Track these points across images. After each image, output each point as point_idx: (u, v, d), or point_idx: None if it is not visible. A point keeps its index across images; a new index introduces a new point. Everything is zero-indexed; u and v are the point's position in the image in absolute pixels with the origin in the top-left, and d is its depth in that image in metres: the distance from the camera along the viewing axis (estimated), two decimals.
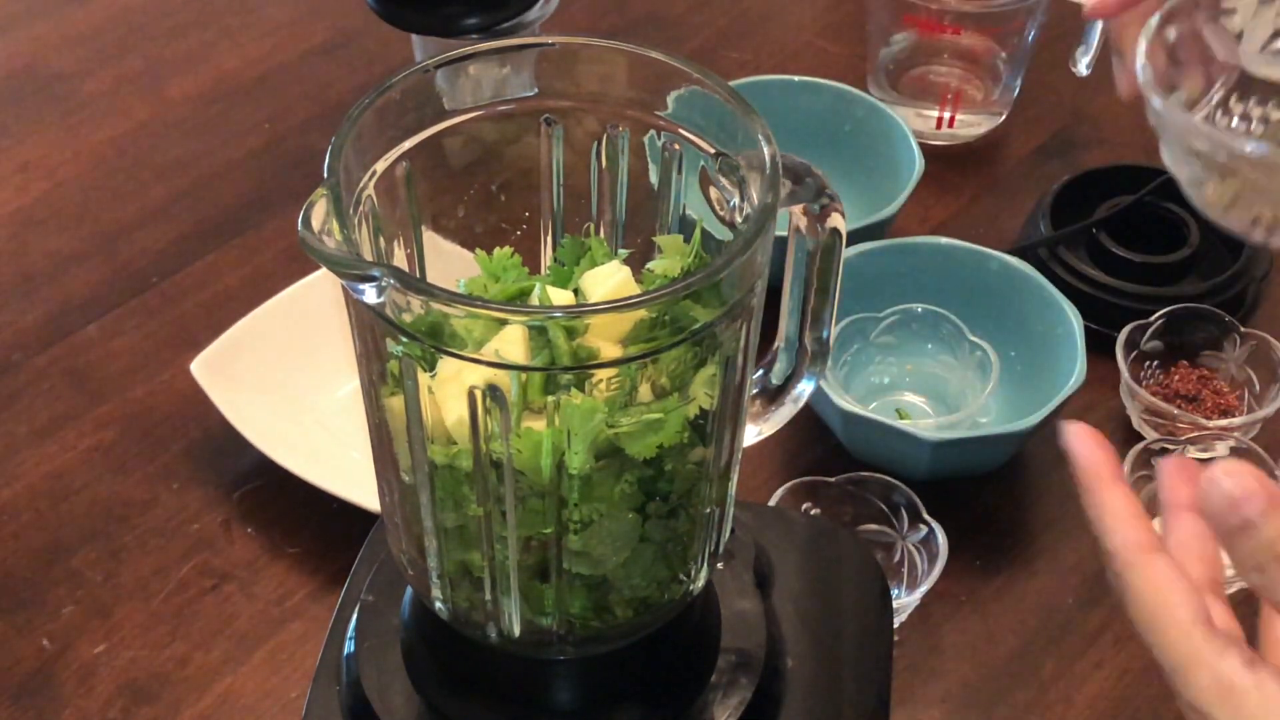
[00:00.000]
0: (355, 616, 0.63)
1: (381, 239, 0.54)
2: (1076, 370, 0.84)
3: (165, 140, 1.13)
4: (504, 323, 0.47)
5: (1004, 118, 1.14)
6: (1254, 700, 0.44)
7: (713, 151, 0.54)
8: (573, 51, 0.54)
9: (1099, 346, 0.89)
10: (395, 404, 0.51)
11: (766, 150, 0.50)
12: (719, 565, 0.59)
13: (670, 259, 0.55)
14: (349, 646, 0.63)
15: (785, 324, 0.58)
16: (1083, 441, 0.51)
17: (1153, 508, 0.84)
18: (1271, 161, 0.41)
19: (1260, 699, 0.44)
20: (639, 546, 0.53)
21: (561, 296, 0.53)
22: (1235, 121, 0.46)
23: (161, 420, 0.91)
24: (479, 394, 0.48)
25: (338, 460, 0.84)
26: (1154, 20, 0.47)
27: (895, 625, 0.74)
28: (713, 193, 0.54)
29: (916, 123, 1.09)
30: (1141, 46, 0.47)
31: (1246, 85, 0.47)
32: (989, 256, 0.92)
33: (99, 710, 0.77)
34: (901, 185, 0.97)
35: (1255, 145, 0.40)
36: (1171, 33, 0.47)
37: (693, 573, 0.57)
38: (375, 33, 1.17)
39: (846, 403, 0.83)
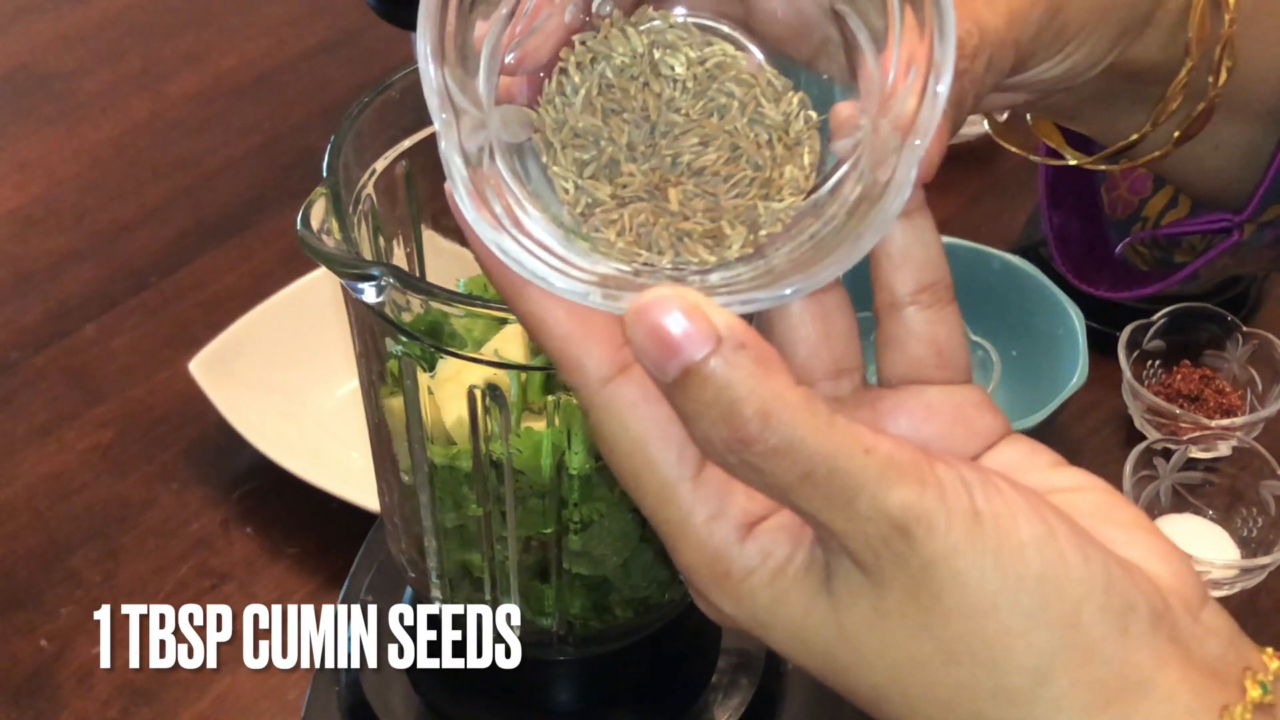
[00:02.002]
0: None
1: (381, 238, 0.53)
2: (1078, 370, 0.83)
3: (164, 139, 1.13)
4: (504, 322, 0.47)
5: (1005, 116, 1.13)
6: (747, 586, 0.34)
7: None
8: None
9: (1101, 346, 0.89)
10: (395, 404, 0.51)
11: None
12: None
13: None
14: None
15: None
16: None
17: (1154, 508, 0.84)
18: None
19: (749, 584, 0.34)
20: (639, 547, 0.53)
21: None
22: None
23: (160, 420, 0.91)
24: (479, 394, 0.47)
25: (337, 460, 0.84)
26: None
27: None
28: None
29: None
30: None
31: None
32: (991, 256, 0.91)
33: (98, 711, 0.76)
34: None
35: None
36: None
37: None
38: (375, 32, 1.17)
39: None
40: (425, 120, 0.53)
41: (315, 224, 0.46)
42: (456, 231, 0.57)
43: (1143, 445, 0.83)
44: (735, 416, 0.30)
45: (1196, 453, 0.84)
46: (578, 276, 0.32)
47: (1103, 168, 0.51)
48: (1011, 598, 0.31)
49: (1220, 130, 0.48)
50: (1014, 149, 0.55)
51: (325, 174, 0.48)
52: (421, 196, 0.55)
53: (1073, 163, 0.52)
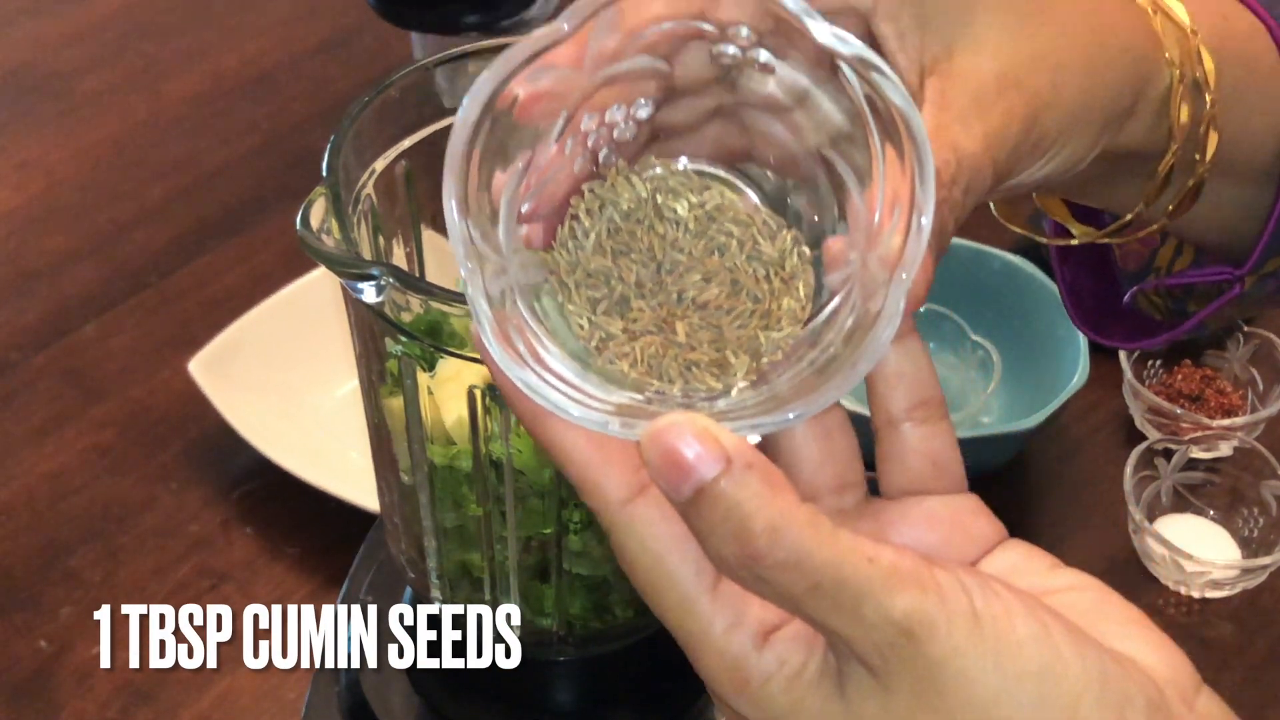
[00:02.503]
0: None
1: (381, 238, 0.53)
2: (1079, 369, 0.83)
3: (163, 139, 1.12)
4: None
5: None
6: (765, 691, 0.35)
7: None
8: None
9: (1101, 346, 0.88)
10: (394, 404, 0.51)
11: None
12: None
13: None
14: None
15: None
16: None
17: (1154, 508, 0.84)
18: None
19: (768, 690, 0.35)
20: None
21: None
22: None
23: (160, 420, 0.91)
24: (478, 394, 0.47)
25: (336, 460, 0.83)
26: None
27: None
28: None
29: None
30: None
31: None
32: (991, 255, 0.91)
33: (97, 711, 0.76)
34: None
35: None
36: None
37: None
38: (374, 31, 1.17)
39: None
40: (425, 120, 0.53)
41: (315, 224, 0.46)
42: None
43: (1144, 445, 0.83)
44: (745, 533, 0.32)
45: (1197, 453, 0.84)
46: (595, 406, 0.34)
47: (1107, 241, 0.52)
48: (1012, 694, 0.33)
49: (1218, 190, 0.49)
50: (1020, 230, 0.57)
51: (325, 174, 0.48)
52: (421, 196, 0.55)
53: (1076, 242, 0.54)
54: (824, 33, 0.34)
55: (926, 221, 0.34)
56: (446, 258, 0.57)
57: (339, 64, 1.20)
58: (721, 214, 0.38)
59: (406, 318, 0.47)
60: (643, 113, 0.38)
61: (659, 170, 0.39)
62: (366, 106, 0.51)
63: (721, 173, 0.39)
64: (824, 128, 0.37)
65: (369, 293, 0.46)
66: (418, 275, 0.56)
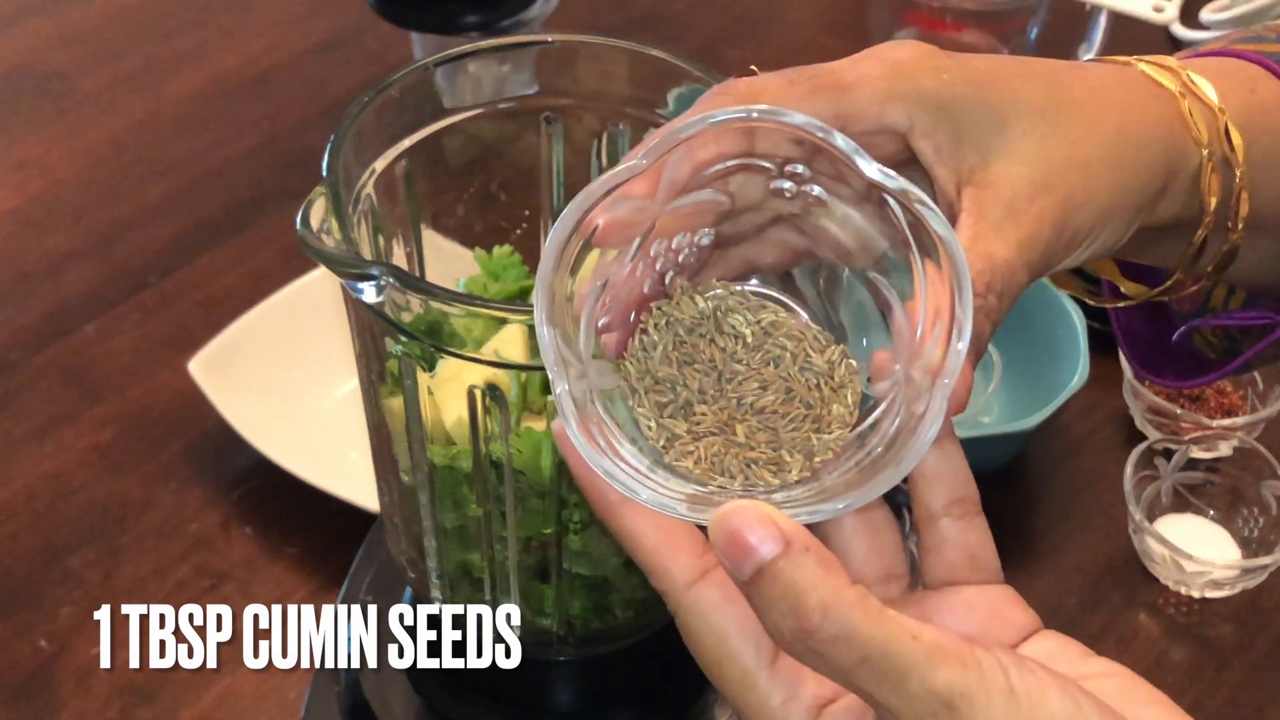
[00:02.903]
0: None
1: (381, 238, 0.53)
2: (1079, 369, 0.83)
3: (163, 139, 1.12)
4: (504, 322, 0.47)
5: None
6: None
7: None
8: (573, 49, 0.53)
9: (1102, 346, 0.88)
10: (394, 404, 0.51)
11: None
12: None
13: None
14: None
15: None
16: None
17: (1155, 507, 0.84)
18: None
19: None
20: None
21: None
22: None
23: (159, 420, 0.91)
24: (479, 394, 0.47)
25: (336, 460, 0.83)
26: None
27: None
28: None
29: None
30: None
31: None
32: None
33: (97, 711, 0.76)
34: None
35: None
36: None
37: None
38: (374, 31, 1.17)
39: None
40: (425, 120, 0.53)
41: (315, 223, 0.46)
42: (456, 231, 0.58)
43: (1144, 445, 0.83)
44: (801, 609, 0.35)
45: (1197, 452, 0.84)
46: (664, 493, 0.39)
47: (1153, 298, 0.54)
48: None
49: (1257, 246, 0.51)
50: (1073, 293, 0.62)
51: (325, 173, 0.48)
52: (421, 196, 0.55)
53: (1126, 304, 0.56)
54: (872, 170, 0.38)
55: (965, 341, 0.38)
56: (446, 258, 0.57)
57: (339, 64, 1.20)
58: (776, 329, 0.42)
59: (406, 318, 0.47)
60: (705, 240, 0.43)
61: (719, 290, 0.43)
62: (366, 106, 0.51)
63: (775, 294, 0.44)
64: (870, 252, 0.42)
65: (369, 293, 0.46)
66: (418, 275, 0.56)
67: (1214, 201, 0.48)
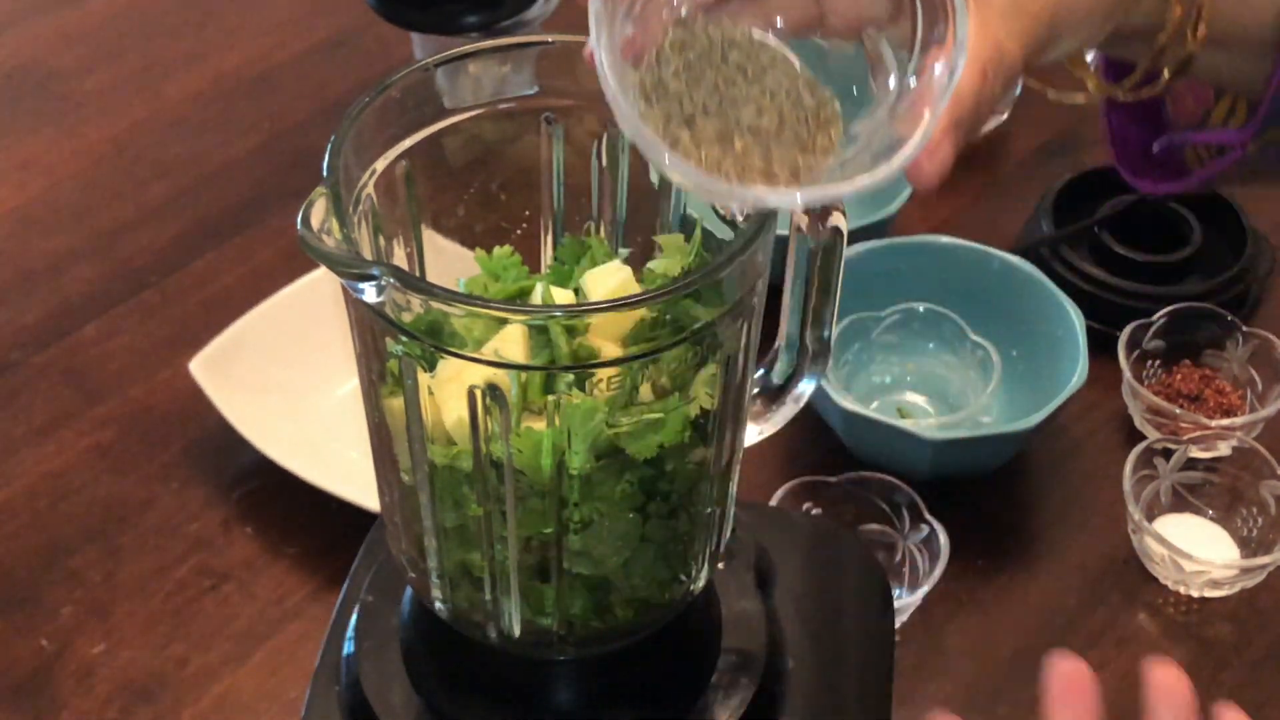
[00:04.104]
0: (355, 616, 0.63)
1: (381, 238, 0.53)
2: (1078, 370, 0.83)
3: (164, 139, 1.13)
4: (504, 322, 0.47)
5: (1006, 116, 1.13)
6: None
7: None
8: (573, 49, 0.53)
9: (1101, 346, 0.89)
10: (395, 404, 0.51)
11: None
12: (720, 565, 0.59)
13: (671, 258, 0.54)
14: (349, 646, 0.62)
15: (786, 323, 0.58)
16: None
17: (1154, 507, 0.84)
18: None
19: None
20: (640, 546, 0.53)
21: (562, 296, 0.53)
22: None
23: (160, 420, 0.91)
24: (479, 394, 0.47)
25: (337, 460, 0.84)
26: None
27: (896, 625, 0.74)
28: None
29: None
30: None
31: None
32: (991, 256, 0.91)
33: (98, 710, 0.76)
34: (903, 184, 0.96)
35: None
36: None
37: (693, 573, 0.56)
38: (375, 31, 1.17)
39: (848, 402, 0.83)
40: (425, 120, 0.53)
41: (315, 224, 0.46)
42: (456, 231, 0.58)
43: (1143, 445, 0.83)
44: None
45: (1196, 452, 0.84)
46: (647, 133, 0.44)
47: (1111, 94, 0.62)
48: None
49: (1220, 63, 0.58)
50: (1057, 93, 0.65)
51: (325, 174, 0.48)
52: (422, 196, 0.55)
53: (1082, 100, 0.63)
54: None
55: (957, 70, 0.43)
56: (447, 258, 0.57)
57: (339, 64, 1.20)
58: (774, 67, 0.46)
59: (407, 318, 0.47)
60: None
61: (730, 28, 0.47)
62: (367, 107, 0.51)
63: (773, 41, 0.48)
64: (873, 20, 0.47)
65: (369, 293, 0.46)
66: (418, 275, 0.56)
67: (1179, 11, 0.54)
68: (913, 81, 0.45)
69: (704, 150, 0.45)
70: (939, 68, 0.43)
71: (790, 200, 0.45)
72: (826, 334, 0.58)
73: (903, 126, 0.44)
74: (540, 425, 0.49)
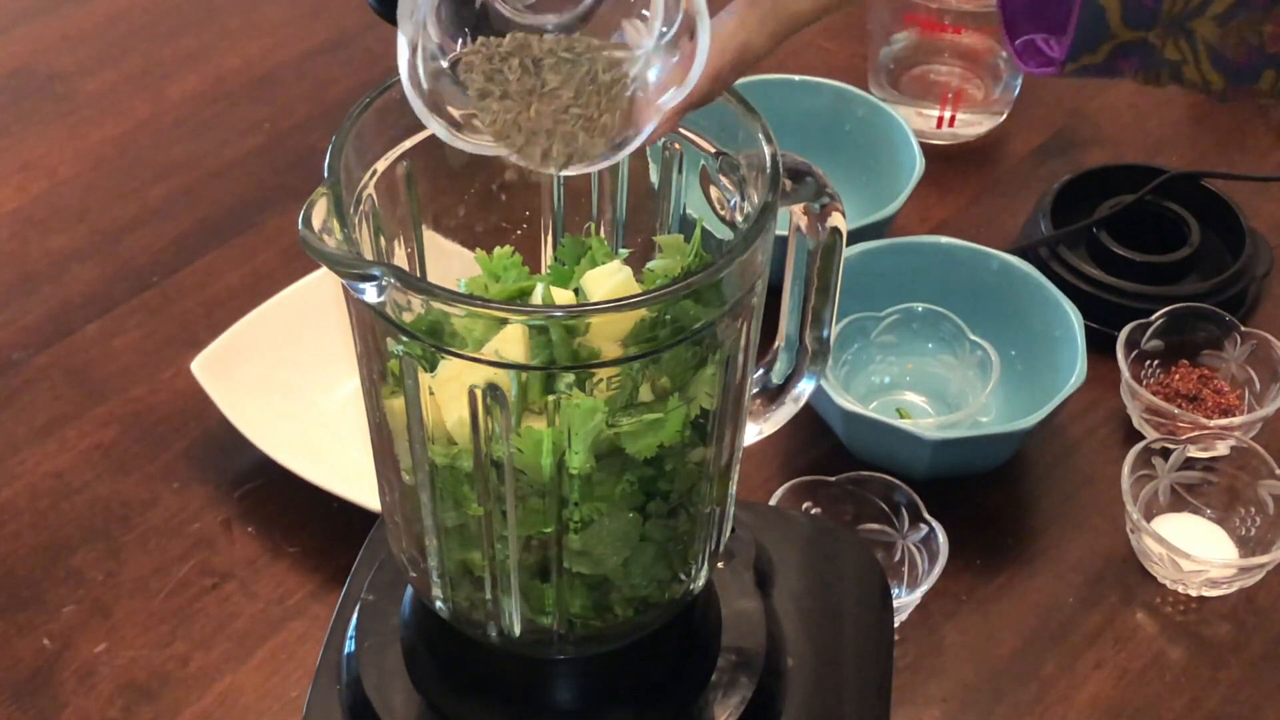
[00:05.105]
0: (355, 616, 0.63)
1: (382, 238, 0.54)
2: (1077, 370, 0.84)
3: (165, 139, 1.13)
4: (504, 322, 0.47)
5: (1004, 117, 1.14)
6: None
7: (713, 151, 0.54)
8: None
9: (1099, 346, 0.89)
10: (395, 404, 0.51)
11: (767, 149, 0.50)
12: (719, 565, 0.59)
13: (671, 258, 0.55)
14: (349, 646, 0.63)
15: (786, 323, 0.58)
16: None
17: (1152, 507, 0.84)
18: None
19: None
20: (639, 546, 0.53)
21: (562, 296, 0.54)
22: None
23: (162, 419, 0.91)
24: (479, 394, 0.48)
25: (338, 460, 0.84)
26: None
27: (895, 624, 0.74)
28: (713, 192, 0.54)
29: (917, 122, 1.09)
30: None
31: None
32: (989, 256, 0.92)
33: (99, 709, 0.77)
34: (902, 184, 0.97)
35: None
36: None
37: (693, 572, 0.57)
38: (375, 32, 1.17)
39: (847, 402, 0.83)
40: None
41: (316, 224, 0.46)
42: (457, 231, 0.58)
43: (1141, 445, 0.83)
44: None
45: (1195, 452, 0.84)
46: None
47: None
48: None
49: None
50: None
51: (326, 174, 0.48)
52: (422, 197, 0.55)
53: None
54: None
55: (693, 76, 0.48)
56: (447, 258, 0.57)
57: (340, 65, 1.20)
58: (583, 45, 0.50)
59: (408, 318, 0.47)
60: None
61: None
62: (368, 107, 0.51)
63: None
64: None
65: (370, 293, 0.46)
66: (419, 275, 0.56)
67: None
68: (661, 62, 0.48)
69: (500, 110, 0.49)
70: (678, 63, 0.48)
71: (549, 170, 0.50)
72: (826, 334, 0.58)
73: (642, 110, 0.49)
74: (540, 425, 0.49)
